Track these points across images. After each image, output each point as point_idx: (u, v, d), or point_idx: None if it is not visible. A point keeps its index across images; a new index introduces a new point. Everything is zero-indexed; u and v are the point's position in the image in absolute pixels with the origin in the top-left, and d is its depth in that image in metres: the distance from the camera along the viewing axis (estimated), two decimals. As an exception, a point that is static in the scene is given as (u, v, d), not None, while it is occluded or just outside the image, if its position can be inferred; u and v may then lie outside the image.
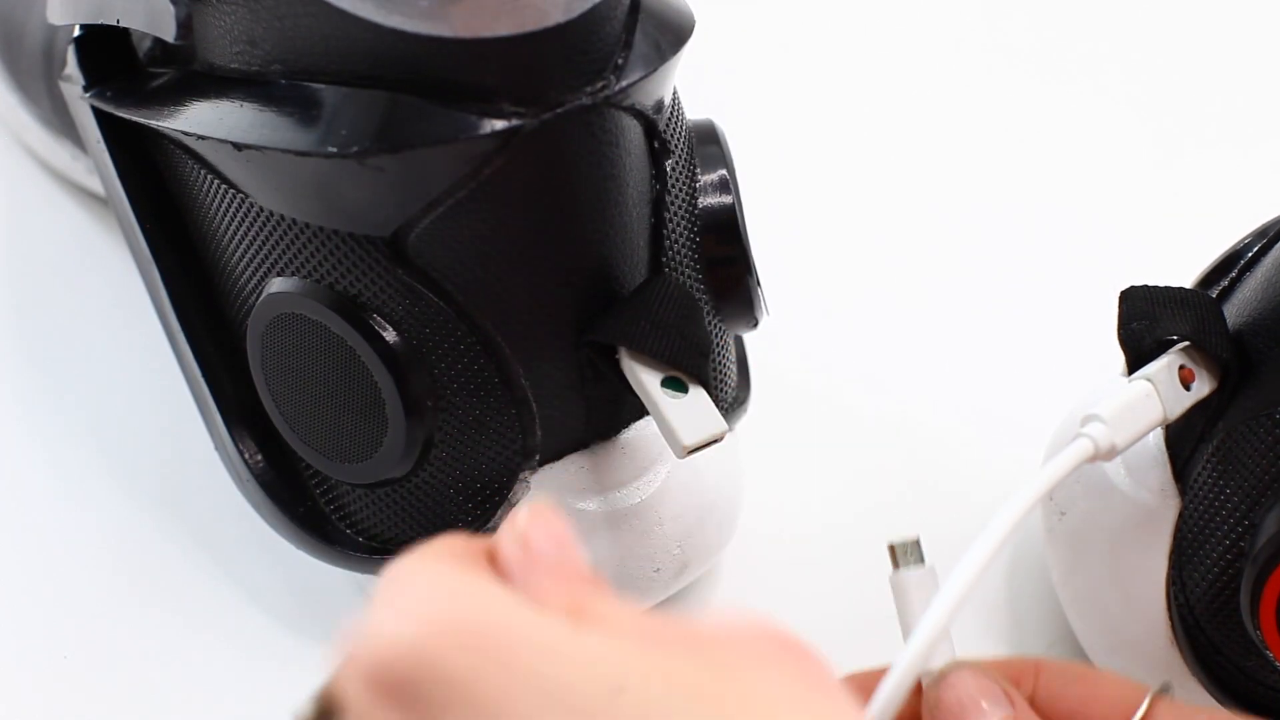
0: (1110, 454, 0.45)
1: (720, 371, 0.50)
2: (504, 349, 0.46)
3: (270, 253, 0.47)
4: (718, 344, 0.50)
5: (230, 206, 0.48)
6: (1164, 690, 0.45)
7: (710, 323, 0.49)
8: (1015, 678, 0.45)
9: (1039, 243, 0.66)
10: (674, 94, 0.48)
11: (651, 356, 0.46)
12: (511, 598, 0.33)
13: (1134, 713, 0.45)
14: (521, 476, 0.48)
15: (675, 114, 0.48)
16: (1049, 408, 0.55)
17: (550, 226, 0.45)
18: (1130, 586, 0.49)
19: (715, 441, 0.46)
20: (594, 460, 0.49)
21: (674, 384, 0.47)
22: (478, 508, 0.48)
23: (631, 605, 0.33)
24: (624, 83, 0.44)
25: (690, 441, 0.46)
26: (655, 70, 0.45)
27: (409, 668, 0.31)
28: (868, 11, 0.75)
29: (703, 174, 0.49)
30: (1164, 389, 0.46)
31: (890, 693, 0.40)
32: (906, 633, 0.45)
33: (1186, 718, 0.44)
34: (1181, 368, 0.46)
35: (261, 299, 0.48)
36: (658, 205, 0.47)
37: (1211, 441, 0.47)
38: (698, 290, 0.49)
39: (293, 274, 0.47)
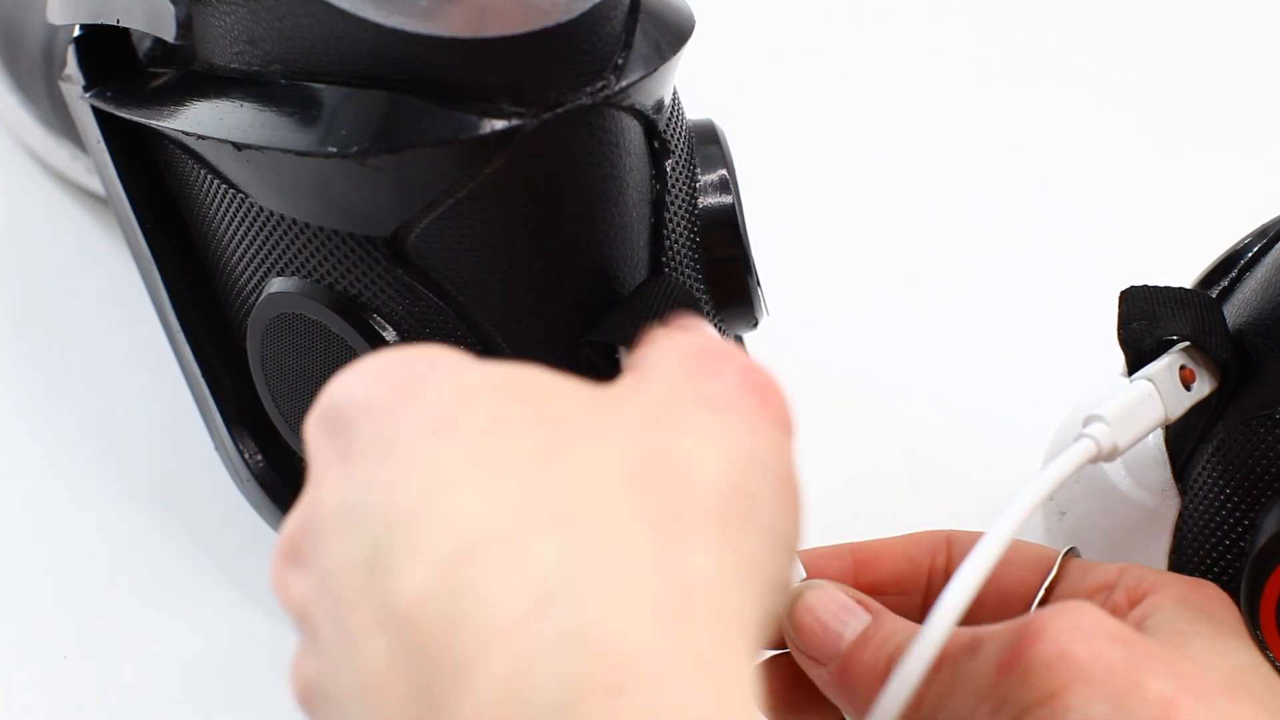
0: (1112, 454, 0.45)
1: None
2: (504, 349, 0.46)
3: (270, 253, 0.47)
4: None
5: (230, 206, 0.48)
6: (1072, 552, 0.46)
7: (711, 321, 0.49)
8: (928, 552, 0.46)
9: (1039, 243, 0.66)
10: (674, 94, 0.48)
11: (653, 356, 0.46)
12: (452, 354, 0.36)
13: (1046, 573, 0.45)
14: (521, 476, 0.48)
15: (675, 114, 0.48)
16: (1049, 408, 0.55)
17: (550, 226, 0.45)
18: (1130, 586, 0.49)
19: None
20: (594, 460, 0.49)
21: None
22: (478, 508, 0.48)
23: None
24: (624, 83, 0.44)
25: None
26: (655, 70, 0.45)
27: (336, 401, 0.36)
28: (867, 12, 0.75)
29: (703, 174, 0.49)
30: (1165, 389, 0.46)
31: (895, 692, 0.40)
32: None
33: (1095, 573, 0.45)
34: (1182, 368, 0.46)
35: (261, 299, 0.48)
36: (658, 205, 0.47)
37: (1211, 442, 0.47)
38: (698, 290, 0.49)
39: (293, 274, 0.47)
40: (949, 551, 0.46)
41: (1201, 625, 0.42)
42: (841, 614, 0.44)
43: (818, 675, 0.44)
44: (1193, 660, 0.41)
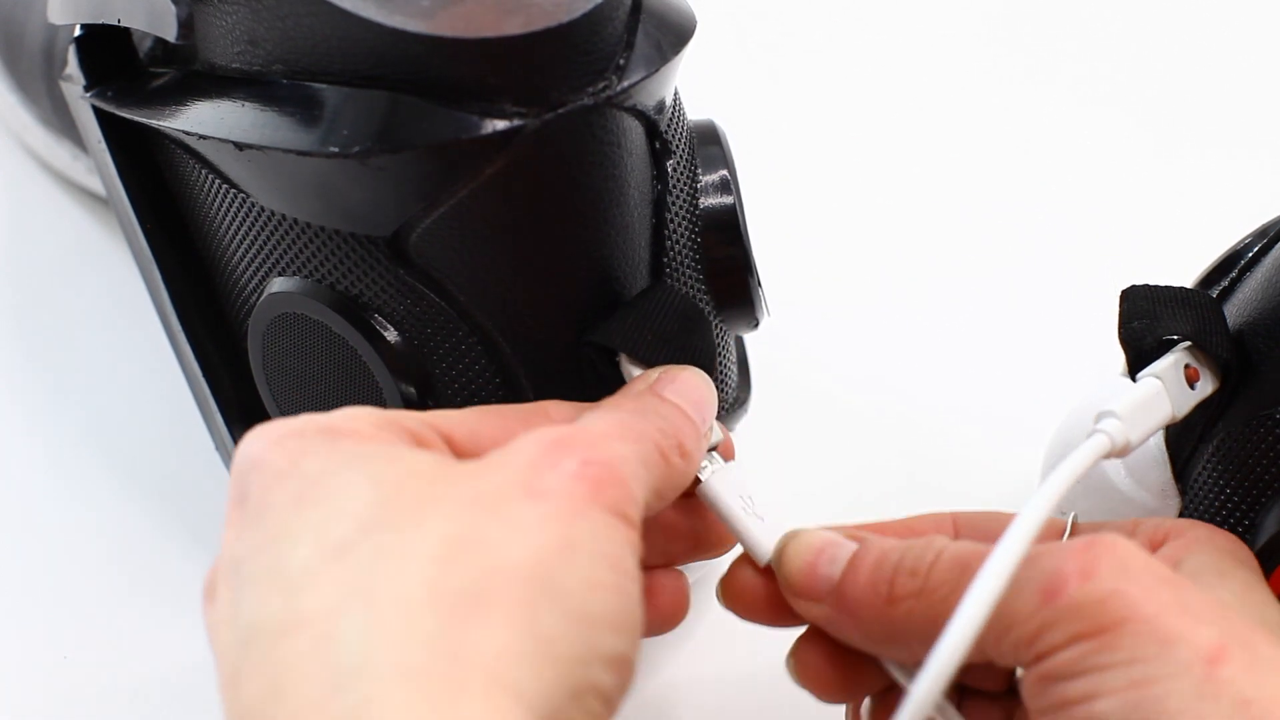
0: (1124, 450, 0.45)
1: (721, 372, 0.50)
2: (505, 349, 0.46)
3: (271, 253, 0.47)
4: (720, 346, 0.50)
5: (231, 206, 0.48)
6: (1074, 518, 0.46)
7: (714, 328, 0.49)
8: (933, 531, 0.46)
9: (1039, 243, 0.66)
10: (675, 94, 0.48)
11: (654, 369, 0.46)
12: (352, 423, 0.39)
13: (1057, 540, 0.45)
14: (522, 476, 0.48)
15: (676, 114, 0.48)
16: (1049, 408, 0.55)
17: (551, 227, 0.45)
18: (1131, 586, 0.49)
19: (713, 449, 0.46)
20: (594, 460, 0.49)
21: None
22: (478, 508, 0.48)
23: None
24: (626, 83, 0.44)
25: None
26: (657, 71, 0.44)
27: (244, 455, 0.39)
28: (868, 12, 0.75)
29: (704, 174, 0.49)
30: (1172, 387, 0.46)
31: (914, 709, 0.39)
32: (739, 538, 0.46)
33: (1108, 530, 0.45)
34: (1186, 366, 0.46)
35: (262, 299, 0.48)
36: (659, 206, 0.47)
37: (1211, 441, 0.47)
38: (698, 291, 0.49)
39: (294, 274, 0.47)
40: (954, 532, 0.46)
41: (1236, 570, 0.43)
42: (828, 549, 0.44)
43: (819, 615, 0.44)
44: (1233, 606, 0.41)
